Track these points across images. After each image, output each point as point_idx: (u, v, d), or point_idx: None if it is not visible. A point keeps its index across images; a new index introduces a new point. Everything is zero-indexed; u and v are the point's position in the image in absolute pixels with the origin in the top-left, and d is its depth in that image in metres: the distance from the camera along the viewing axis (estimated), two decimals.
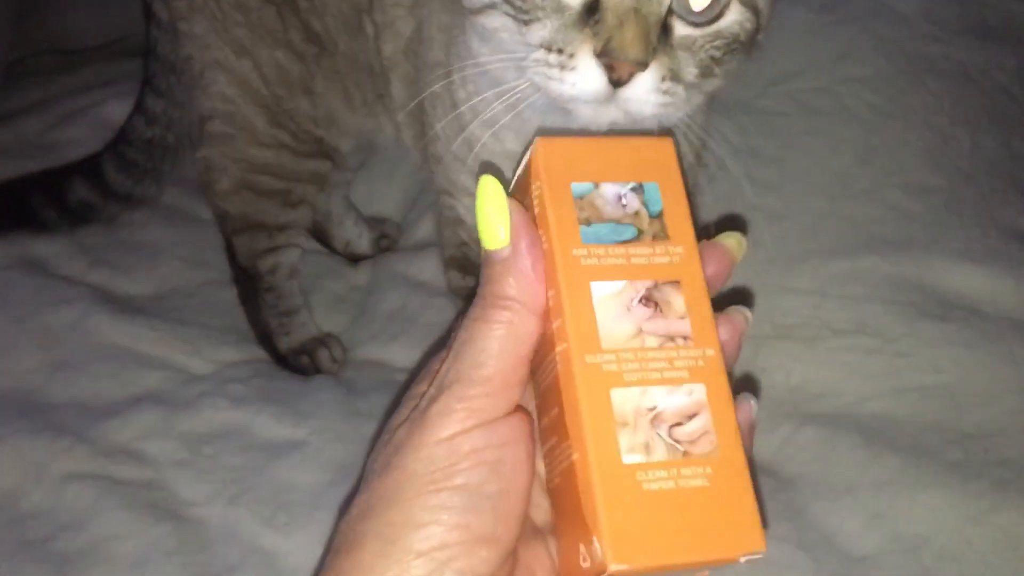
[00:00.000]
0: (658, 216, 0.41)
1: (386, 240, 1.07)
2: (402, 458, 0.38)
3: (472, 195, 0.74)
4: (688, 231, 0.41)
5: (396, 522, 0.37)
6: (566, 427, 0.38)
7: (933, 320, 0.81)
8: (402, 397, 0.43)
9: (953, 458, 0.73)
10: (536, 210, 0.41)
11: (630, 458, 0.36)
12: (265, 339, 0.94)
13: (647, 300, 0.39)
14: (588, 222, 0.40)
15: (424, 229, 1.07)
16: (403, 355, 0.93)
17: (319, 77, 0.81)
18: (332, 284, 1.05)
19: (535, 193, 0.41)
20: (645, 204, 0.41)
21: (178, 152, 0.99)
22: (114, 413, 0.84)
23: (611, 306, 0.39)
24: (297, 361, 0.93)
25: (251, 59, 0.82)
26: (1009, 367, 0.78)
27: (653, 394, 0.38)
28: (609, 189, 0.41)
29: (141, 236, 1.03)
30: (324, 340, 0.95)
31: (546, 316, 0.40)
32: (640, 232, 0.40)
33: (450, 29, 0.68)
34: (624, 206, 0.41)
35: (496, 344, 0.38)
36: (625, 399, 0.37)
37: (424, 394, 0.40)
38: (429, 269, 0.99)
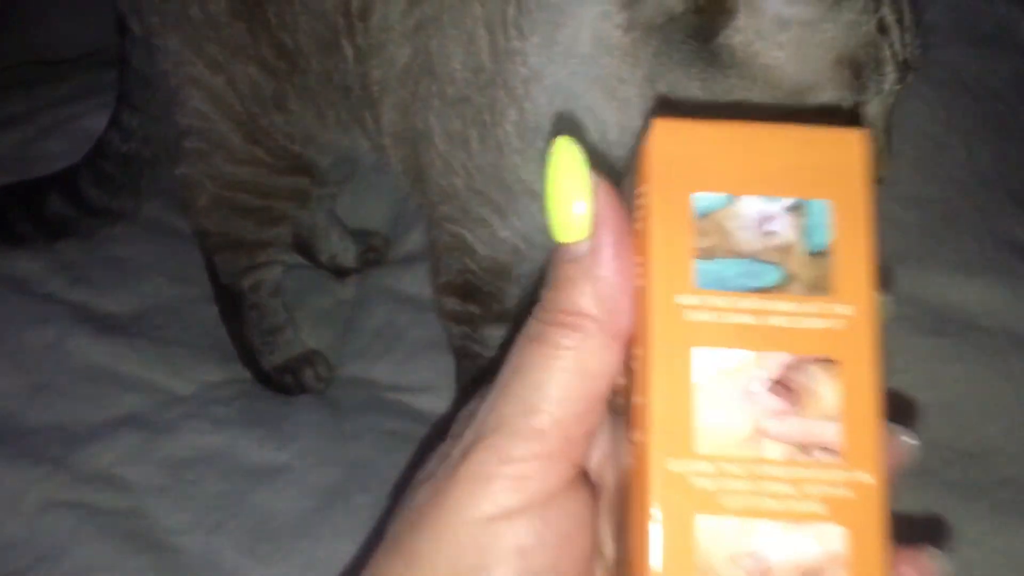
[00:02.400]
0: (822, 254, 0.28)
1: (373, 253, 1.05)
2: (418, 541, 0.28)
3: (489, 227, 0.72)
4: (865, 283, 0.27)
5: None
6: (633, 557, 0.27)
7: (929, 335, 0.79)
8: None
9: (952, 478, 0.72)
10: (637, 226, 0.29)
11: None
12: (248, 358, 0.92)
13: (780, 385, 0.27)
14: (710, 255, 0.28)
15: (412, 242, 1.04)
16: (390, 373, 0.91)
17: (292, 95, 0.79)
18: (318, 299, 1.03)
19: (639, 202, 0.29)
20: (804, 234, 0.28)
21: (155, 166, 0.97)
22: (94, 437, 0.82)
23: (722, 388, 0.27)
24: (281, 380, 0.91)
25: (225, 75, 0.80)
26: (1007, 383, 0.76)
27: (761, 532, 0.26)
28: (751, 205, 0.28)
29: (122, 252, 1.01)
30: (309, 358, 0.93)
31: (631, 342, 0.29)
32: (788, 277, 0.28)
33: (493, 75, 0.63)
34: (770, 234, 0.28)
35: (557, 382, 0.28)
36: (717, 535, 0.26)
37: (458, 441, 0.30)
38: (418, 283, 0.97)
